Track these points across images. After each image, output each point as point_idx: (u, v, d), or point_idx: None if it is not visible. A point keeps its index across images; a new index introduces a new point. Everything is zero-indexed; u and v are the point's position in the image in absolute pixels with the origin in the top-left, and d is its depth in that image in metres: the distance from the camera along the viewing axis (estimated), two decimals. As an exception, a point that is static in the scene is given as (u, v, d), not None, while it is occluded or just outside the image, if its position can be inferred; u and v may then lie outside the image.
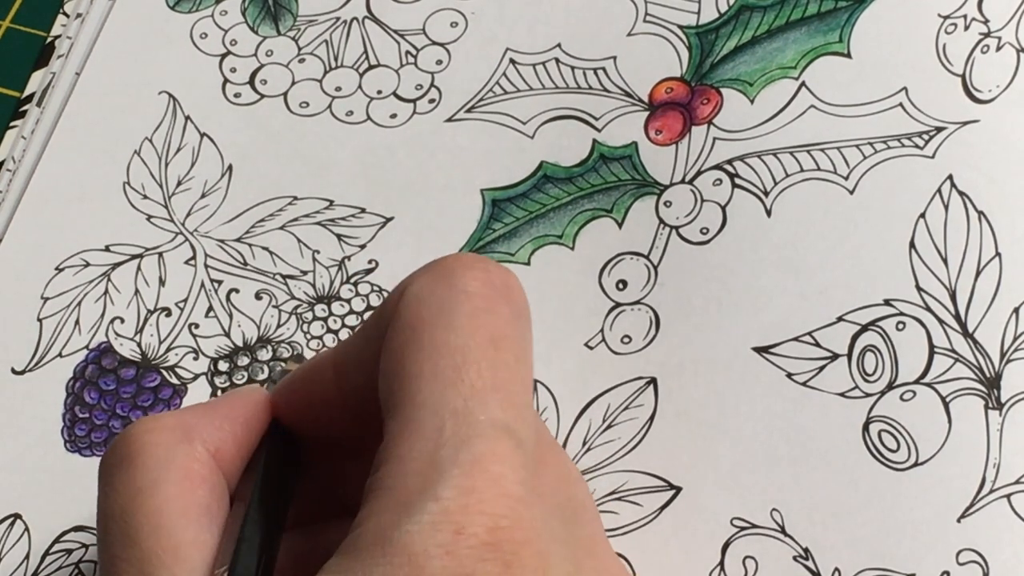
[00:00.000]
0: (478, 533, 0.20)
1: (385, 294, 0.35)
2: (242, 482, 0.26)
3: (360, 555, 0.20)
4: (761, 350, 0.32)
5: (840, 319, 0.32)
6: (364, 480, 0.23)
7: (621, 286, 0.34)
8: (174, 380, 0.35)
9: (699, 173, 0.35)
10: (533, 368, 0.25)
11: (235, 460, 0.26)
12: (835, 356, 0.32)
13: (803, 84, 0.35)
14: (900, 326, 0.32)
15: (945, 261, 0.32)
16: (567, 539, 0.22)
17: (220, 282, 0.36)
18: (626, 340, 0.33)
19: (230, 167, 0.37)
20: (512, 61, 0.37)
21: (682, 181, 0.35)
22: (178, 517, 0.23)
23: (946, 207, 0.33)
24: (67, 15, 0.40)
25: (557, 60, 0.37)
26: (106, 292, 0.36)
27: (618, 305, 0.34)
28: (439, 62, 0.38)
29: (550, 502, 0.24)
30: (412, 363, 0.22)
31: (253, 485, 0.25)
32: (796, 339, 0.32)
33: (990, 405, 0.31)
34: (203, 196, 0.37)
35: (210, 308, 0.35)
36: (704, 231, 0.34)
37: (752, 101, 0.35)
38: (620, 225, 0.35)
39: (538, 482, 0.22)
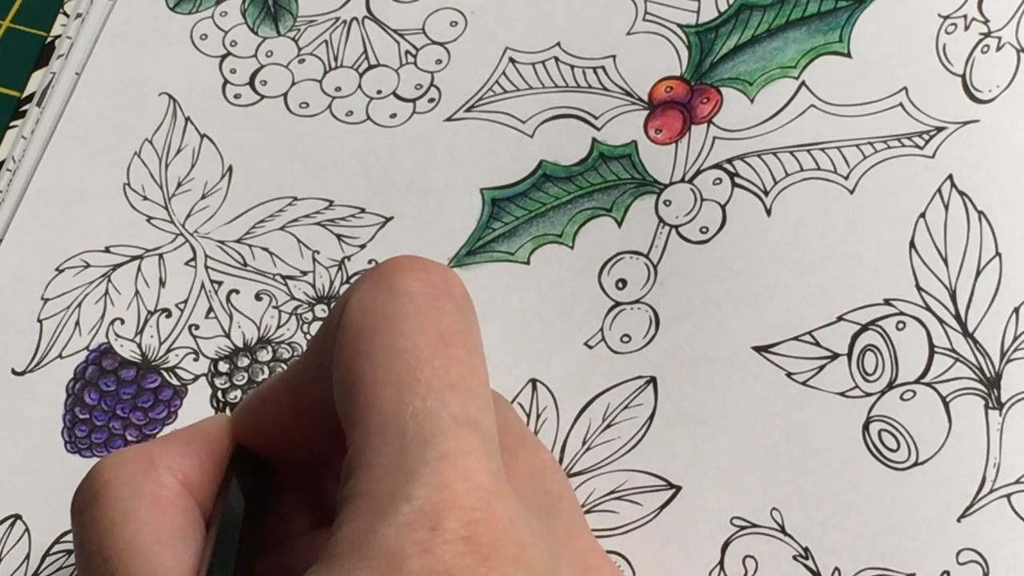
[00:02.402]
0: (454, 528, 0.20)
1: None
2: (215, 506, 0.26)
3: (339, 561, 0.20)
4: (761, 349, 0.32)
5: (840, 318, 0.32)
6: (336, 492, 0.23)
7: (621, 285, 0.34)
8: (174, 381, 0.35)
9: (699, 172, 0.35)
10: (486, 359, 0.24)
11: (204, 485, 0.26)
12: (835, 355, 0.32)
13: (803, 84, 0.35)
14: (900, 326, 0.32)
15: (945, 261, 0.32)
16: (543, 530, 0.22)
17: (220, 283, 0.36)
18: (626, 339, 0.33)
19: (230, 168, 0.37)
20: (512, 60, 0.37)
21: (682, 180, 0.35)
22: (152, 543, 0.23)
23: (946, 207, 0.33)
24: (67, 15, 0.40)
25: (556, 59, 0.37)
26: (106, 293, 0.36)
27: (618, 304, 0.34)
28: (439, 61, 0.38)
29: (524, 493, 0.24)
30: (365, 372, 0.22)
31: (223, 506, 0.25)
32: (796, 338, 0.32)
33: (990, 405, 0.31)
34: (203, 197, 0.37)
35: (210, 309, 0.35)
36: (704, 230, 0.34)
37: (752, 100, 0.35)
38: (620, 224, 0.35)
39: (509, 474, 0.22)
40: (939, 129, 0.34)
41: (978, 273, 0.32)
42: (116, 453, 0.25)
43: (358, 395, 0.22)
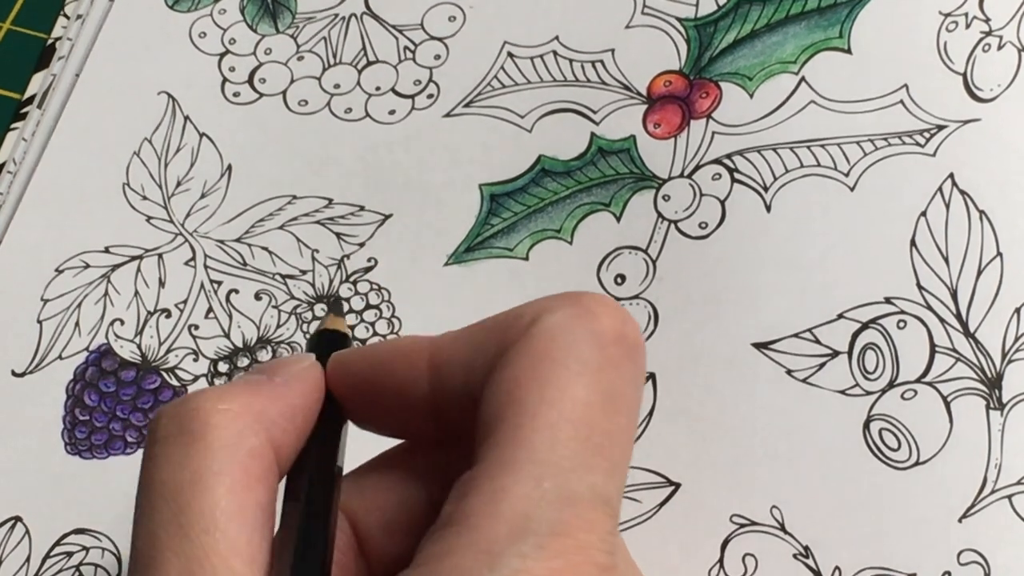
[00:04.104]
0: None
1: (384, 292, 0.35)
2: (290, 478, 0.25)
3: None
4: (761, 346, 0.32)
5: (841, 316, 0.32)
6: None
7: (619, 280, 0.34)
8: (174, 382, 0.35)
9: (698, 167, 0.34)
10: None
11: (290, 456, 0.24)
12: (835, 353, 0.32)
13: (803, 79, 0.35)
14: (901, 324, 0.32)
15: (946, 260, 0.32)
16: None
17: (220, 283, 0.36)
18: (625, 336, 0.33)
19: (229, 167, 0.37)
20: (510, 55, 0.37)
21: (681, 175, 0.34)
22: (235, 515, 0.22)
23: (947, 206, 0.32)
24: (67, 17, 0.40)
25: (555, 53, 0.37)
26: (106, 294, 0.36)
27: (616, 299, 0.34)
28: (437, 57, 0.38)
29: (628, 573, 0.24)
30: (532, 401, 0.22)
31: (308, 488, 0.24)
32: (796, 335, 0.32)
33: (991, 405, 0.31)
34: (203, 196, 0.37)
35: (210, 309, 0.36)
36: (703, 225, 0.34)
37: (751, 95, 0.35)
38: (618, 219, 0.35)
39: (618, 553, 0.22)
40: (940, 127, 0.33)
41: (979, 273, 0.32)
42: (220, 394, 0.23)
43: (515, 419, 0.22)
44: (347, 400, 0.26)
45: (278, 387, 0.24)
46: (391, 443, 0.26)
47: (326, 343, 0.27)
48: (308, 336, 0.35)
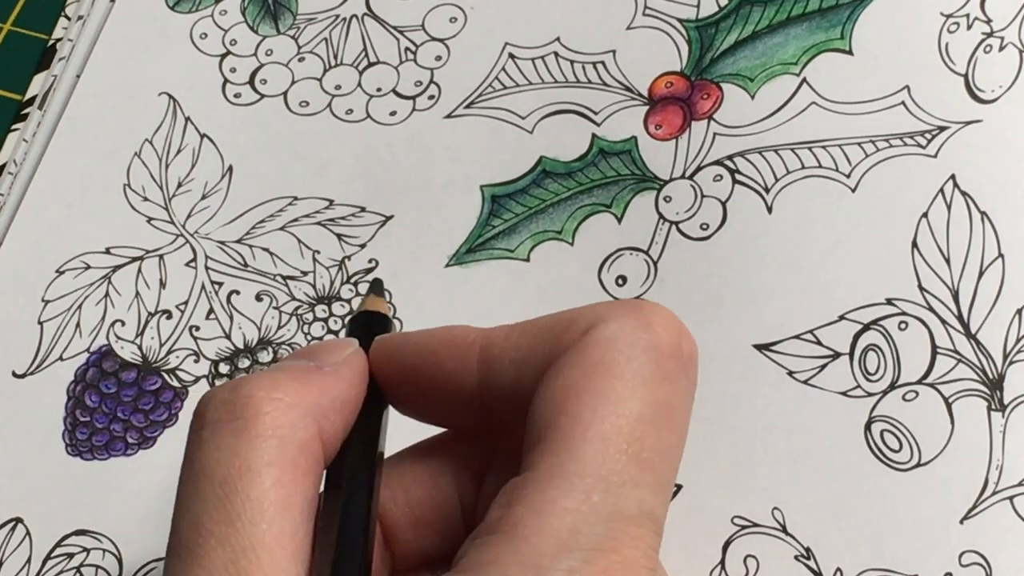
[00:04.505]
0: None
1: (385, 293, 0.35)
2: (333, 466, 0.24)
3: None
4: (762, 347, 0.32)
5: (842, 318, 0.32)
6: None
7: (621, 282, 0.34)
8: (175, 383, 0.35)
9: (699, 168, 0.34)
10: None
11: (335, 446, 0.24)
12: (837, 355, 0.32)
13: (804, 80, 0.35)
14: (902, 325, 0.32)
15: (948, 261, 0.32)
16: None
17: (221, 284, 0.36)
18: (626, 338, 0.33)
19: (230, 168, 0.37)
20: (511, 56, 0.37)
21: (682, 176, 0.34)
22: (283, 508, 0.22)
23: (949, 207, 0.32)
24: (68, 18, 0.40)
25: (556, 54, 0.37)
26: (107, 295, 0.36)
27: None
28: (438, 58, 0.38)
29: None
30: (585, 412, 0.22)
31: (351, 479, 0.24)
32: (797, 337, 0.32)
33: (993, 407, 0.31)
34: (203, 197, 0.37)
35: (211, 310, 0.36)
36: (704, 227, 0.34)
37: (753, 97, 0.35)
38: (619, 220, 0.35)
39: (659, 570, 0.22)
40: (941, 128, 0.33)
41: (981, 274, 0.32)
42: (272, 382, 0.23)
43: (569, 427, 0.21)
44: (391, 386, 0.25)
45: (328, 377, 0.24)
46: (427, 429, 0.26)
47: (369, 325, 0.26)
48: (309, 337, 0.35)
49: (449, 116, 0.37)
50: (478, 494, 0.25)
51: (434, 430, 0.26)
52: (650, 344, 0.22)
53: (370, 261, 0.35)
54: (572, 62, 0.37)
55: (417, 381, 0.25)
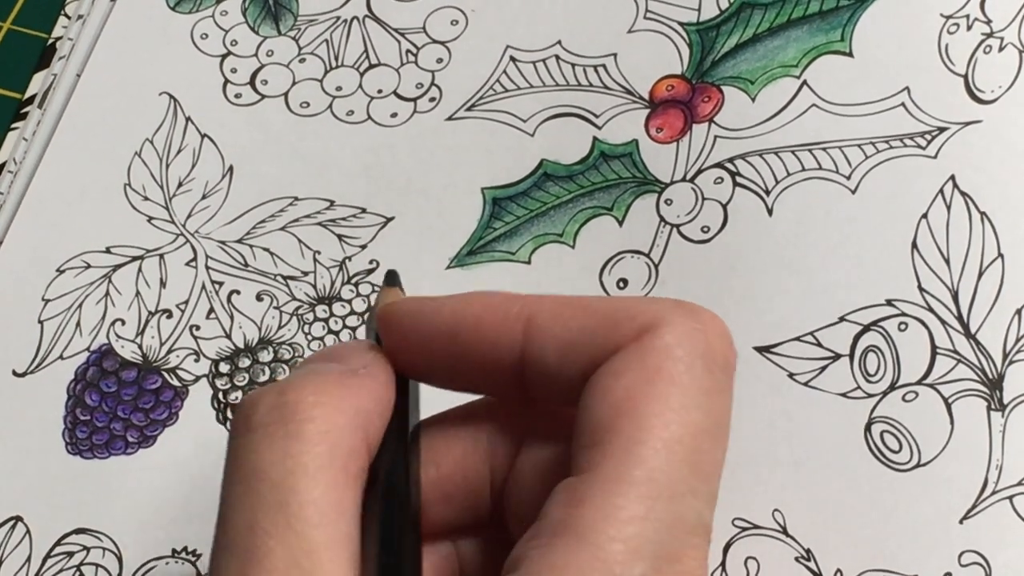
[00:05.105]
0: None
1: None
2: (375, 480, 0.24)
3: None
4: (762, 349, 0.32)
5: (842, 319, 0.32)
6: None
7: (622, 284, 0.34)
8: (175, 382, 0.35)
9: (700, 171, 0.35)
10: None
11: (376, 447, 0.24)
12: (837, 356, 0.32)
13: (805, 83, 0.35)
14: (902, 326, 0.32)
15: (947, 262, 0.32)
16: None
17: (221, 283, 0.36)
18: (627, 339, 0.33)
19: (231, 168, 0.37)
20: (512, 59, 0.37)
21: (683, 179, 0.35)
22: (338, 511, 0.22)
23: (948, 207, 0.33)
24: (68, 16, 0.40)
25: (557, 57, 0.37)
26: (107, 294, 0.36)
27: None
28: (439, 60, 0.38)
29: None
30: (649, 418, 0.22)
31: (389, 473, 0.24)
32: (798, 339, 0.32)
33: (992, 407, 0.31)
34: (204, 197, 0.37)
35: (211, 310, 0.35)
36: (705, 229, 0.34)
37: (753, 99, 0.35)
38: (621, 223, 0.35)
39: None
40: (941, 129, 0.33)
41: (980, 274, 0.32)
42: (322, 387, 0.23)
43: (632, 431, 0.21)
44: (414, 354, 0.25)
45: (366, 379, 0.24)
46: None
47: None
48: (310, 337, 0.35)
49: (450, 118, 0.37)
50: (511, 467, 0.25)
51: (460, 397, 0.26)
52: (707, 353, 0.22)
53: (371, 262, 0.35)
54: (573, 65, 0.37)
55: (451, 349, 0.24)
